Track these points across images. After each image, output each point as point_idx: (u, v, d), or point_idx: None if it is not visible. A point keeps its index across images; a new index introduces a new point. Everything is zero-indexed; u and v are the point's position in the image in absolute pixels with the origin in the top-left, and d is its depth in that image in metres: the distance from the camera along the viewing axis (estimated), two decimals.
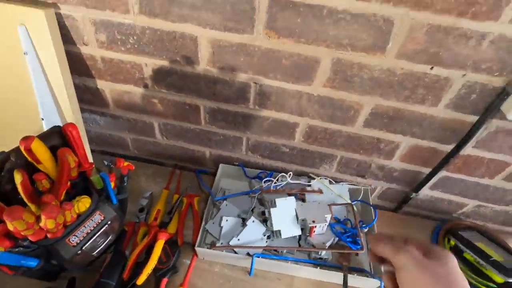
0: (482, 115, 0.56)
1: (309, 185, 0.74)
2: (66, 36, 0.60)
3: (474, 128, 0.57)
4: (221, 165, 0.79)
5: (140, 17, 0.55)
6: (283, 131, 0.69)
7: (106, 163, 0.78)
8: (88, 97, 0.72)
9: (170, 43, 0.57)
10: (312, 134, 0.68)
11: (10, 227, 0.40)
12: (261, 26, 0.52)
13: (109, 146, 0.86)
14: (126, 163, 0.59)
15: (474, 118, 0.57)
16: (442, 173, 0.70)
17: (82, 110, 0.72)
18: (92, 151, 0.79)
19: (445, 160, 0.65)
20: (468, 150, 0.63)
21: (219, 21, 0.52)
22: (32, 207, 0.43)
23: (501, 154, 0.63)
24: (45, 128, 0.65)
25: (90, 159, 0.70)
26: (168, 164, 0.87)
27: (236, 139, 0.74)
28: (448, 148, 0.63)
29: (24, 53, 0.58)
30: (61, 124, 0.52)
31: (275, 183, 0.73)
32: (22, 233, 0.41)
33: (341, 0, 0.46)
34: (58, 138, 0.51)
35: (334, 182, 0.76)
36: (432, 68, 0.52)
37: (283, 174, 0.74)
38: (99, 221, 0.51)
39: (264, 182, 0.74)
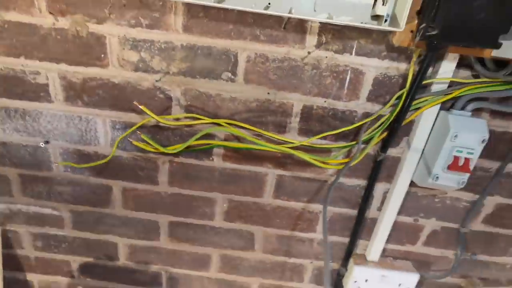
0: None
1: None
2: (6, 243, 0.73)
3: None
4: None
5: (73, 231, 0.72)
6: None
7: None
8: None
9: (95, 247, 0.73)
10: None
11: None
12: (165, 236, 0.71)
13: None
14: None
15: None
16: None
17: None
18: None
19: None
20: None
21: (134, 233, 0.71)
22: None
23: None
24: None
25: None
26: None
27: None
28: None
29: None
30: None
31: None
32: None
33: (216, 221, 0.69)
34: None
35: None
36: (290, 258, 0.73)
37: None
38: None
39: None
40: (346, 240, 0.70)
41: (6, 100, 0.58)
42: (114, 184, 0.65)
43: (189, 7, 0.50)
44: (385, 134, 0.57)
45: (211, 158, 0.62)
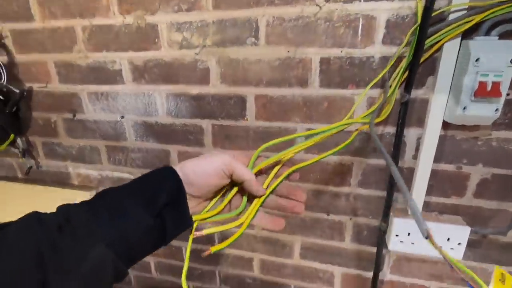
0: (378, 247, 0.74)
1: None
2: None
3: (378, 257, 0.75)
4: None
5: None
6: (243, 265, 0.89)
7: None
8: None
9: None
10: (264, 266, 0.87)
11: None
12: None
13: None
14: None
15: (374, 249, 0.76)
16: None
17: None
18: None
19: (374, 285, 0.78)
20: (388, 276, 0.78)
21: None
22: None
23: (415, 278, 0.76)
24: None
25: None
26: None
27: (210, 273, 0.94)
28: (370, 274, 0.79)
29: None
30: None
31: None
32: None
33: None
34: None
35: None
36: (328, 214, 0.76)
37: None
38: None
39: None
40: (384, 193, 0.70)
41: (95, 86, 0.78)
42: (172, 148, 0.80)
43: None
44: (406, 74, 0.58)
45: (245, 118, 0.71)
